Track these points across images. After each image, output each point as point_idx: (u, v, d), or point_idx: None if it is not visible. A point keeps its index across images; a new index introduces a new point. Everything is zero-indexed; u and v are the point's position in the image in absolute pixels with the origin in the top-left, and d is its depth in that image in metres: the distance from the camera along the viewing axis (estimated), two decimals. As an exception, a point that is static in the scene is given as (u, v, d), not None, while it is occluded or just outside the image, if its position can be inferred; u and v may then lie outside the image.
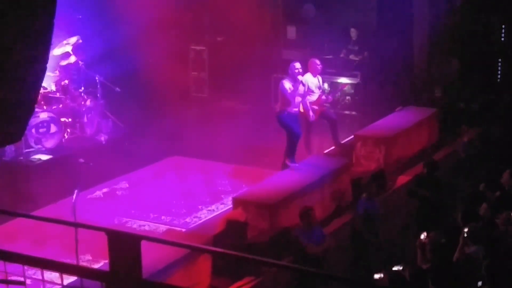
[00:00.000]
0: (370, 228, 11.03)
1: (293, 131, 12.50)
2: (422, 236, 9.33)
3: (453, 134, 14.49)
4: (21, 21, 5.39)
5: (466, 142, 13.10)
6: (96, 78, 14.99)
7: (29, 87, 5.66)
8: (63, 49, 14.73)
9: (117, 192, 13.64)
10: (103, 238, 5.42)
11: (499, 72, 16.74)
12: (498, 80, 16.74)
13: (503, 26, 16.47)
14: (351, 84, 16.43)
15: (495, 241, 9.06)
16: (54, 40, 5.77)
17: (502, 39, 16.55)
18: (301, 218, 10.43)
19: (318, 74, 13.30)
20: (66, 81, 14.57)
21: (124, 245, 5.36)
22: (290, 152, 12.55)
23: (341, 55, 16.92)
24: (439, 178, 11.83)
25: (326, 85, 14.88)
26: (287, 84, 12.33)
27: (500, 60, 16.69)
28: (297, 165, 12.47)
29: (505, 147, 13.22)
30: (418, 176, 12.17)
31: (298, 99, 12.51)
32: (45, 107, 14.13)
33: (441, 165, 12.35)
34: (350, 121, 16.03)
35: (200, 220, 12.43)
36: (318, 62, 13.24)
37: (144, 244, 5.35)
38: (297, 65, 12.38)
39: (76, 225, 8.91)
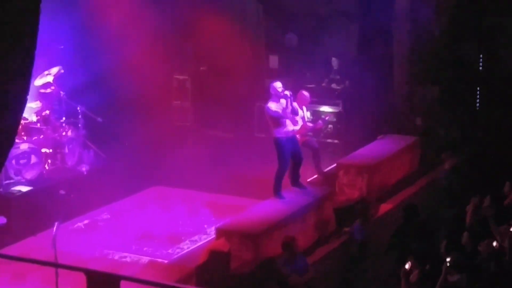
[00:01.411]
0: (364, 254, 11.01)
1: (284, 159, 12.31)
2: (407, 265, 9.33)
3: (434, 162, 14.55)
4: (1, 52, 5.37)
5: (447, 170, 13.13)
6: (78, 108, 14.94)
7: (10, 118, 5.62)
8: (44, 79, 14.68)
9: (99, 223, 13.54)
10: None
11: (478, 100, 16.87)
12: (477, 108, 16.87)
13: (481, 55, 16.64)
14: (333, 112, 16.50)
15: (478, 270, 9.07)
16: (35, 70, 5.75)
17: (480, 67, 16.70)
18: (283, 248, 10.40)
19: (305, 106, 13.33)
20: (47, 112, 14.51)
21: (103, 286, 5.33)
22: (277, 182, 12.41)
23: (323, 84, 16.99)
24: (423, 224, 11.52)
25: (308, 114, 14.91)
26: (273, 106, 12.16)
27: (478, 88, 16.83)
28: (283, 198, 12.38)
29: (486, 174, 13.27)
30: (398, 227, 11.50)
31: (289, 116, 12.30)
32: (25, 138, 14.04)
33: (422, 193, 12.37)
34: (332, 150, 16.07)
35: (183, 251, 12.33)
36: (307, 94, 13.27)
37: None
38: (278, 84, 12.22)
39: (55, 264, 8.84)
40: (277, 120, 12.17)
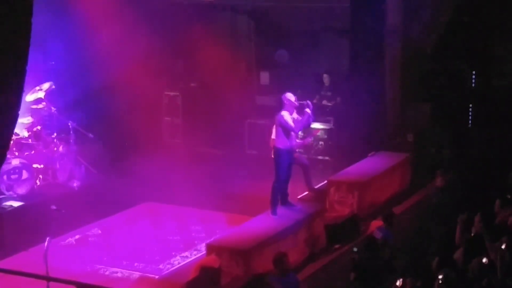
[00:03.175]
0: (385, 255, 10.99)
1: (282, 171, 12.21)
2: (398, 282, 9.32)
3: (425, 179, 14.57)
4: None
5: (438, 188, 13.15)
6: (69, 124, 14.94)
7: (1, 134, 5.63)
8: (35, 95, 14.70)
9: (90, 239, 13.53)
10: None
11: (470, 117, 16.91)
12: (469, 125, 16.91)
13: (473, 72, 16.68)
14: (324, 129, 16.51)
15: (470, 287, 9.07)
16: (26, 86, 5.77)
17: (473, 85, 16.75)
18: (274, 264, 10.37)
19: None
20: (39, 127, 14.51)
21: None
22: (273, 195, 12.34)
23: (314, 101, 16.99)
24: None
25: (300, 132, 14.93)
26: (286, 115, 12.08)
27: (471, 105, 16.87)
28: (276, 214, 12.36)
29: (477, 192, 13.29)
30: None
31: (298, 129, 12.31)
32: (17, 153, 14.05)
33: (413, 211, 12.37)
34: (323, 166, 16.09)
35: (174, 266, 12.33)
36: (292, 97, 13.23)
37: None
38: (291, 95, 12.18)
39: (47, 278, 8.82)
40: (286, 130, 12.10)
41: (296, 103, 12.14)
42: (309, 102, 12.42)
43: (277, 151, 12.17)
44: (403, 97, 17.14)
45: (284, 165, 12.20)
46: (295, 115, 12.20)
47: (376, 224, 12.72)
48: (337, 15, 16.93)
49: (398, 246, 11.36)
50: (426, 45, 16.80)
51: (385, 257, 10.84)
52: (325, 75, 17.06)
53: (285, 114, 12.06)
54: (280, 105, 12.37)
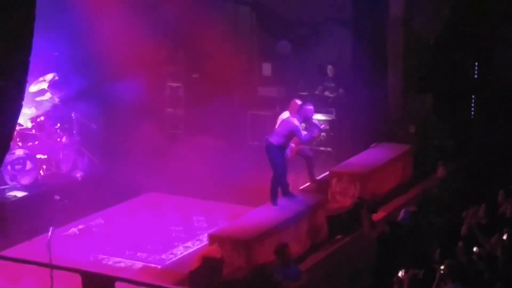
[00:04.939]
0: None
1: (278, 165, 12.27)
2: (400, 273, 9.35)
3: (427, 170, 14.58)
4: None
5: (440, 179, 13.17)
6: (72, 114, 14.98)
7: (5, 124, 5.66)
8: (39, 86, 14.73)
9: (93, 229, 13.58)
10: (78, 276, 5.41)
11: (472, 108, 16.89)
12: (472, 116, 16.89)
13: (476, 63, 16.66)
14: (326, 120, 16.51)
15: (472, 278, 9.09)
16: (30, 77, 5.80)
17: (475, 75, 16.73)
18: (276, 255, 10.42)
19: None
20: (42, 118, 14.55)
21: (98, 286, 5.36)
22: (273, 189, 12.40)
23: (316, 92, 17.00)
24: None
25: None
26: (296, 121, 12.22)
27: (473, 96, 16.85)
28: (277, 205, 12.41)
29: (480, 183, 13.31)
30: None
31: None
32: (20, 144, 14.09)
33: (415, 202, 12.38)
34: (325, 158, 16.10)
35: (176, 256, 12.39)
36: (299, 102, 13.29)
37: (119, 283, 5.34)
38: (312, 108, 12.46)
39: (51, 266, 8.86)
40: (292, 136, 12.25)
41: (310, 118, 12.39)
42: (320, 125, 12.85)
43: (269, 147, 12.23)
44: (405, 88, 17.13)
45: (278, 160, 12.26)
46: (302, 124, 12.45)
47: (379, 215, 12.77)
48: (340, 6, 16.89)
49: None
50: (428, 36, 16.77)
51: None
52: (329, 66, 17.03)
53: (298, 124, 12.19)
54: (293, 110, 12.59)
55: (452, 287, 8.92)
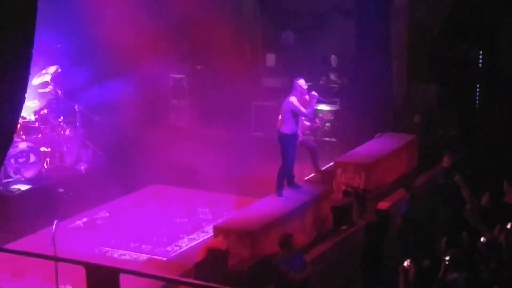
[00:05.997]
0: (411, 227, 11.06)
1: (289, 156, 12.20)
2: (405, 263, 9.32)
3: (432, 160, 14.54)
4: (-1, 52, 5.40)
5: (445, 168, 13.13)
6: (76, 107, 14.96)
7: (8, 117, 5.64)
8: (42, 78, 14.71)
9: (97, 222, 13.57)
10: (83, 269, 5.39)
11: (477, 98, 16.85)
12: (477, 106, 16.85)
13: (481, 53, 16.61)
14: (330, 111, 16.49)
15: (477, 268, 9.07)
16: (33, 69, 5.77)
17: (480, 65, 16.68)
18: (281, 245, 10.40)
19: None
20: (45, 111, 14.53)
21: (102, 278, 5.33)
22: (279, 179, 12.34)
23: (321, 82, 16.98)
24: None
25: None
26: (295, 100, 11.98)
27: (478, 86, 16.81)
28: (283, 196, 12.37)
29: (484, 173, 13.29)
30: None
31: (306, 115, 12.28)
32: (24, 137, 14.07)
33: (420, 192, 12.35)
34: (330, 148, 16.08)
35: (181, 248, 12.38)
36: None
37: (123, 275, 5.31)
38: (303, 81, 12.15)
39: (55, 258, 8.84)
40: (295, 115, 12.04)
41: (306, 92, 12.13)
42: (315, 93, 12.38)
43: (284, 137, 12.12)
44: (410, 78, 17.10)
45: (291, 150, 12.20)
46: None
47: (383, 205, 12.76)
48: (344, -4, 16.90)
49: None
50: (433, 26, 16.73)
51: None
52: (333, 56, 17.02)
53: (294, 100, 12.00)
54: (290, 90, 12.40)
55: (456, 277, 8.90)
